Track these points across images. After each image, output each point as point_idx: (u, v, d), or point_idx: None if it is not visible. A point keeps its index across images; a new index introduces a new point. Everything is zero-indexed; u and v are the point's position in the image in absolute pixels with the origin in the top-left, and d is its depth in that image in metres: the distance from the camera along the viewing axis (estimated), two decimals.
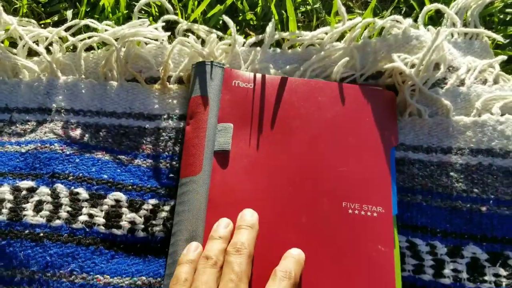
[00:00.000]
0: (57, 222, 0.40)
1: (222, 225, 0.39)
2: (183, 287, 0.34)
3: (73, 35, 0.49)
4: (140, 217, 0.42)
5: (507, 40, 0.51)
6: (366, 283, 0.38)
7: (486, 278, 0.40)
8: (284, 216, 0.40)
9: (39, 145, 0.43)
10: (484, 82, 0.46)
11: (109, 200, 0.42)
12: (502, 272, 0.40)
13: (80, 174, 0.42)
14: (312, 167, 0.42)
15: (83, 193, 0.42)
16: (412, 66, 0.45)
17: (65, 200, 0.41)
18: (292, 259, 0.37)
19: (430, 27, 0.49)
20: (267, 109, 0.44)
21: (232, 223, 0.39)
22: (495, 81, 0.46)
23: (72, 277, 0.38)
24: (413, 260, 0.41)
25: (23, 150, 0.43)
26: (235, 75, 0.45)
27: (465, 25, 0.51)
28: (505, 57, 0.47)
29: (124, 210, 0.42)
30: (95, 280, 0.39)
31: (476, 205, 0.42)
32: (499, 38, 0.49)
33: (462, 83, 0.46)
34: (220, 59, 0.48)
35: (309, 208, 0.41)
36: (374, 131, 0.44)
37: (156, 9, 0.53)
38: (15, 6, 0.54)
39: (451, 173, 0.43)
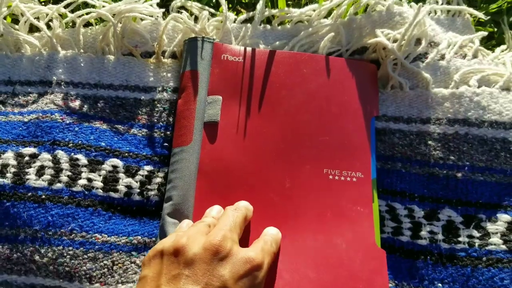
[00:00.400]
0: (58, 185, 0.43)
1: (215, 210, 0.40)
2: (177, 235, 0.37)
3: (72, 11, 0.52)
4: (136, 182, 0.44)
5: (488, 17, 0.52)
6: (347, 240, 0.41)
7: (460, 239, 0.42)
8: (269, 181, 0.43)
9: (41, 114, 0.46)
10: (464, 56, 0.48)
11: (107, 165, 0.44)
12: (475, 233, 0.43)
13: (79, 142, 0.45)
14: (296, 136, 0.45)
15: (82, 159, 0.44)
16: (395, 41, 0.47)
17: (65, 165, 0.44)
18: (271, 238, 0.39)
19: (413, 3, 0.51)
20: (254, 81, 0.46)
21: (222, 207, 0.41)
22: (474, 56, 0.48)
23: (72, 235, 0.41)
24: (392, 222, 0.44)
25: (25, 120, 0.46)
26: (224, 49, 0.48)
27: (448, 2, 0.53)
28: (485, 33, 0.50)
29: (121, 175, 0.44)
30: (93, 238, 0.41)
31: (452, 172, 0.44)
32: (480, 15, 0.51)
33: (442, 57, 0.48)
34: (212, 35, 0.50)
35: (293, 174, 0.43)
36: (355, 102, 0.46)
37: None
38: None
39: (429, 142, 0.45)
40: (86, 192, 0.43)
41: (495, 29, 0.53)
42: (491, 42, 0.53)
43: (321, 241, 0.41)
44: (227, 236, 0.35)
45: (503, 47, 0.50)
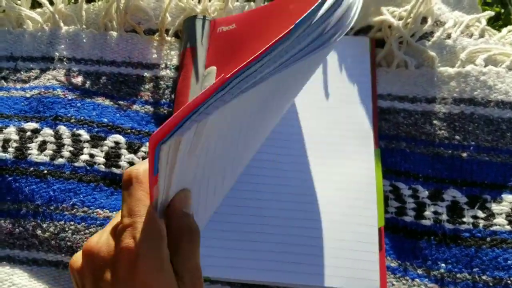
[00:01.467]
0: (60, 160, 0.43)
1: None
2: None
3: None
4: (139, 158, 0.44)
5: None
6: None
7: (464, 220, 0.42)
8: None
9: (43, 90, 0.46)
10: (470, 36, 0.48)
11: (109, 141, 0.44)
12: (480, 214, 0.42)
13: (82, 117, 0.45)
14: None
15: (84, 135, 0.44)
16: (400, 19, 0.47)
17: (67, 140, 0.43)
18: None
19: None
20: (248, 46, 0.45)
21: None
22: (481, 35, 0.48)
23: (74, 210, 0.41)
24: (396, 203, 0.43)
25: (27, 95, 0.46)
26: (219, 22, 0.47)
27: None
28: (492, 13, 0.49)
29: (123, 151, 0.44)
30: (95, 213, 0.41)
31: (457, 152, 0.44)
32: None
33: (448, 36, 0.47)
34: (214, 16, 0.49)
35: None
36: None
37: None
38: None
39: (434, 121, 0.45)
40: (88, 168, 0.43)
41: (502, 10, 0.52)
42: (498, 23, 0.52)
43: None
44: None
45: (510, 27, 0.49)
